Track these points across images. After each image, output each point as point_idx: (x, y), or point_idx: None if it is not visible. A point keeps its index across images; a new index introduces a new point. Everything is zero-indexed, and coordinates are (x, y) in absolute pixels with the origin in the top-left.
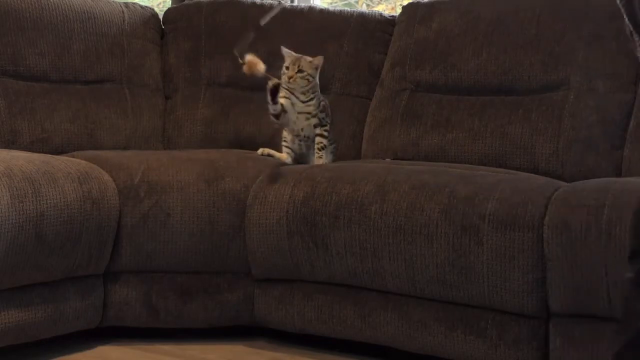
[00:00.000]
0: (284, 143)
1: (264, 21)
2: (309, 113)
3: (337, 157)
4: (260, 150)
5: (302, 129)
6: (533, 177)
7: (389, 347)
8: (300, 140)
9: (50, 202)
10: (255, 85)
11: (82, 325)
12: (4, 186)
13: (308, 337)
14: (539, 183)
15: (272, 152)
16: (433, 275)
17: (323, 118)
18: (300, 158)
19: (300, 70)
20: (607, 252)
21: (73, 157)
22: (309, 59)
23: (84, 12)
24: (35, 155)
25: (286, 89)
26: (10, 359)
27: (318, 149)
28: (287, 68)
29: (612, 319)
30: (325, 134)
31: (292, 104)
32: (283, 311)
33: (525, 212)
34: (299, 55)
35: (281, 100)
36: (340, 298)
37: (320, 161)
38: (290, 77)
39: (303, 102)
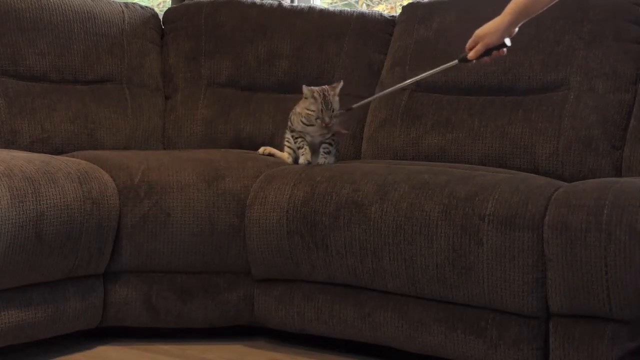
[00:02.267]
0: (286, 143)
1: (355, 105)
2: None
3: (338, 158)
4: (261, 149)
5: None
6: (533, 177)
7: (389, 347)
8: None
9: (50, 202)
10: (256, 85)
11: (82, 325)
12: (4, 186)
13: (308, 337)
14: (539, 183)
15: (274, 150)
16: (433, 275)
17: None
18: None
19: (333, 111)
20: (607, 252)
21: (73, 157)
22: (336, 89)
23: (84, 12)
24: (35, 155)
25: (306, 124)
26: (10, 359)
27: (325, 152)
28: (318, 118)
29: (612, 319)
30: (333, 142)
31: (311, 136)
32: (283, 311)
33: (525, 212)
34: (325, 89)
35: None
36: (340, 298)
37: (323, 160)
38: (327, 125)
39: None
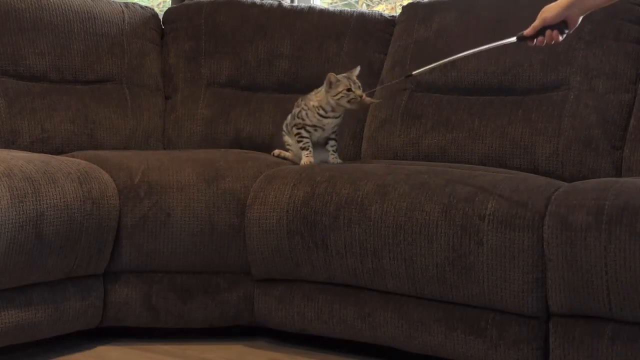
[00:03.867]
0: (288, 147)
1: (415, 72)
2: (336, 118)
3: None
4: (276, 152)
5: (322, 140)
6: (533, 177)
7: (389, 347)
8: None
9: (50, 202)
10: (256, 85)
11: (82, 325)
12: (4, 186)
13: (308, 337)
14: (539, 183)
15: (285, 153)
16: (433, 275)
17: None
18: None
19: (360, 87)
20: (607, 252)
21: (73, 157)
22: (355, 72)
23: (84, 12)
24: (35, 155)
25: (324, 116)
26: (10, 359)
27: (333, 150)
28: (350, 90)
29: (612, 319)
30: (336, 137)
31: (323, 130)
32: (283, 311)
33: (525, 212)
34: (347, 75)
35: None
36: (340, 298)
37: (334, 160)
38: (361, 97)
39: (336, 117)
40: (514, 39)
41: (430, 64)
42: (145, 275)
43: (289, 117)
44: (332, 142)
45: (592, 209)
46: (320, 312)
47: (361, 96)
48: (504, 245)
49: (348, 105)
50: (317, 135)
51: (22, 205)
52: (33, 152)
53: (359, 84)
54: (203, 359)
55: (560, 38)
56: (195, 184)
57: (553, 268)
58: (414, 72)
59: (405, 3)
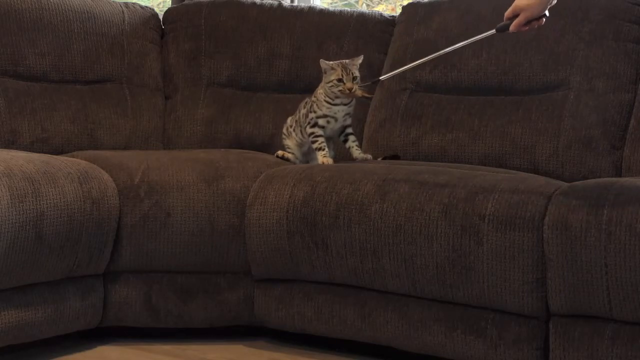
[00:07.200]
0: (288, 150)
1: (383, 77)
2: (345, 105)
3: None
4: (279, 153)
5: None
6: (533, 177)
7: (389, 347)
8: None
9: (50, 202)
10: (256, 85)
11: (82, 325)
12: (4, 186)
13: (308, 337)
14: (539, 183)
15: (288, 155)
16: (433, 275)
17: None
18: (304, 157)
19: (354, 78)
20: (607, 252)
21: (73, 157)
22: (356, 62)
23: (84, 12)
24: (35, 155)
25: (332, 104)
26: (10, 359)
27: (357, 145)
28: (340, 80)
29: (612, 319)
30: (353, 131)
31: (335, 120)
32: (283, 311)
33: (525, 212)
34: (343, 61)
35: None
36: (340, 298)
37: (361, 155)
38: (350, 89)
39: (345, 104)
40: (493, 31)
41: (431, 63)
42: (145, 275)
43: (289, 119)
44: (352, 137)
45: (592, 209)
46: (320, 312)
47: (351, 89)
48: (504, 245)
49: (340, 95)
50: (330, 127)
51: (22, 205)
52: (33, 152)
53: (355, 75)
54: (203, 359)
55: (544, 21)
56: (195, 184)
57: (553, 268)
58: (381, 77)
59: (405, 3)
